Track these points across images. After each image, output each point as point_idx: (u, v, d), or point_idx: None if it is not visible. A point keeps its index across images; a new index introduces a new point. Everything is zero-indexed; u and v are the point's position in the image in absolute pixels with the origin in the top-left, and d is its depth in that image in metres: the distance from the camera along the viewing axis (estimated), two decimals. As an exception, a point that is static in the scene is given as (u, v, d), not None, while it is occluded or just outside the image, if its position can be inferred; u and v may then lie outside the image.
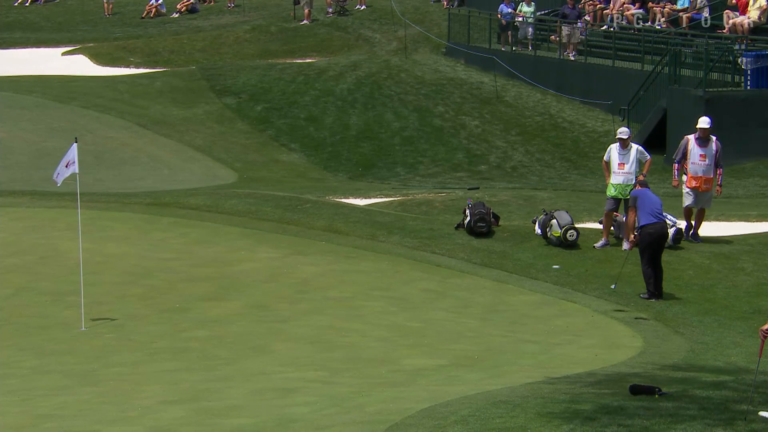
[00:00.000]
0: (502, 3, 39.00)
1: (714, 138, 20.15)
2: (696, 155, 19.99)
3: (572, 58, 36.21)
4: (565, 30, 36.30)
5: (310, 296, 18.26)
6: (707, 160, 19.98)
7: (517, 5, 39.06)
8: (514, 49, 38.24)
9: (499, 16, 38.79)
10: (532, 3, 38.72)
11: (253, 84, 37.04)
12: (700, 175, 19.99)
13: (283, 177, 30.42)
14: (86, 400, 13.04)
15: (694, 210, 20.40)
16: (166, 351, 15.45)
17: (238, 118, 35.05)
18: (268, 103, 35.86)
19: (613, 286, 18.53)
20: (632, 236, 18.36)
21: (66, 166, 17.06)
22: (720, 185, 20.29)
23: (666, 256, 18.58)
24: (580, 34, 36.32)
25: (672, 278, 18.76)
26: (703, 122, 20.16)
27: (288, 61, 40.50)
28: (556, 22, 36.92)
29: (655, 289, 18.03)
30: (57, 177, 17.28)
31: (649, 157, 20.12)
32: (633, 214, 18.18)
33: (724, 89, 30.49)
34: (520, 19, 38.45)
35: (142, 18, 47.73)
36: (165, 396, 13.04)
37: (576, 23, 36.33)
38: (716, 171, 20.06)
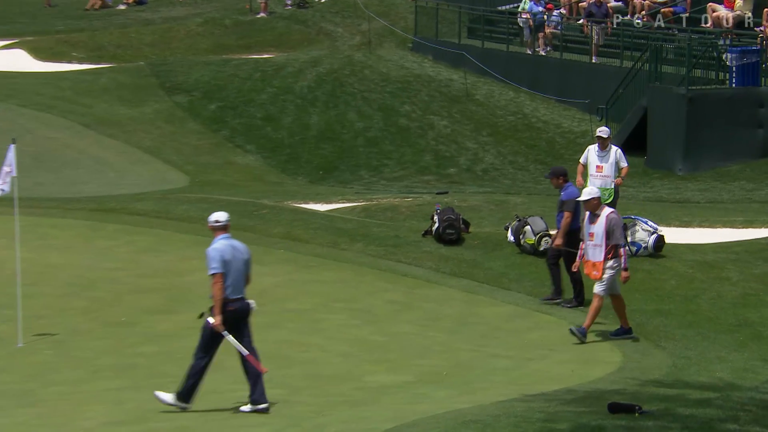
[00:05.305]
0: (531, 2, 37.26)
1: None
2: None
3: (595, 61, 34.91)
4: (594, 30, 35.37)
5: (267, 308, 18.14)
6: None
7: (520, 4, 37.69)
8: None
9: (528, 16, 37.08)
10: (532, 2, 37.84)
11: (206, 81, 36.96)
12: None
13: (238, 180, 30.36)
14: (23, 422, 12.95)
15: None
16: (111, 368, 15.38)
17: (190, 117, 34.95)
18: (222, 101, 35.78)
19: None
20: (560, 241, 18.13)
21: (8, 171, 16.84)
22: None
23: (647, 265, 18.64)
24: (605, 35, 35.14)
25: (653, 288, 18.81)
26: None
27: (244, 56, 40.43)
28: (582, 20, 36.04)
29: (578, 296, 18.11)
30: (3, 186, 16.95)
31: (626, 165, 20.12)
32: (569, 217, 18.01)
33: (708, 87, 30.67)
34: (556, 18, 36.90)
35: (86, 10, 47.49)
36: (109, 417, 12.97)
37: (602, 22, 35.09)
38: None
